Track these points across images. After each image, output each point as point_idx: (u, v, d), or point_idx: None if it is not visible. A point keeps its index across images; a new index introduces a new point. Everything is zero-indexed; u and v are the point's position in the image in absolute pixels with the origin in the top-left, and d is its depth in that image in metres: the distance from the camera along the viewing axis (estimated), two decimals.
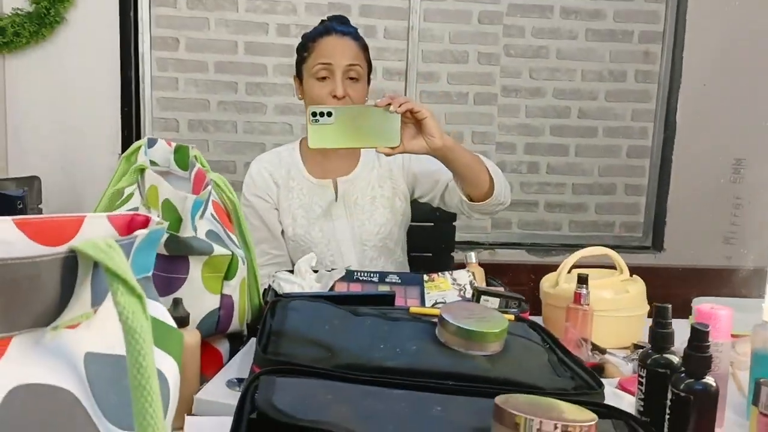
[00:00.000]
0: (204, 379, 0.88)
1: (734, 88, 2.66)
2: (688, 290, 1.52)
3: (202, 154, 0.99)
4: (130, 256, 0.54)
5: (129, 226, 0.62)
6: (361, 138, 1.19)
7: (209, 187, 0.86)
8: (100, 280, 0.49)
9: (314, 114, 1.17)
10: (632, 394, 0.89)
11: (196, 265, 0.84)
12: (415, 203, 1.61)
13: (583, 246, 1.25)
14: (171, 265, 0.82)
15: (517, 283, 1.95)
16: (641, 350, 1.09)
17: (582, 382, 0.81)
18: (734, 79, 2.66)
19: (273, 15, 2.55)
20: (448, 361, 0.81)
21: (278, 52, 2.55)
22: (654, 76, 2.73)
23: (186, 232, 0.80)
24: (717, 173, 2.73)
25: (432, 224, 1.88)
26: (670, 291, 1.20)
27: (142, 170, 0.88)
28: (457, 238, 1.92)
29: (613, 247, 1.27)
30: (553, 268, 1.28)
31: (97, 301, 0.49)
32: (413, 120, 1.21)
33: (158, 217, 0.84)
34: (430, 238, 1.89)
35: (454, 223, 1.89)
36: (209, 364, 0.90)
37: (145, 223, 0.62)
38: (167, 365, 0.51)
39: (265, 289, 1.17)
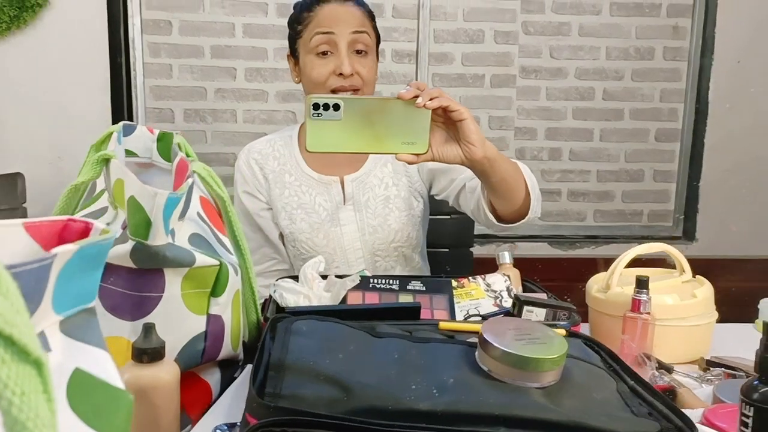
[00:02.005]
0: (188, 421, 0.70)
1: None
2: (725, 285, 1.35)
3: (198, 145, 0.81)
4: (47, 285, 0.37)
5: (60, 236, 0.44)
6: (377, 141, 0.91)
7: (190, 180, 0.68)
8: None
9: (316, 106, 0.89)
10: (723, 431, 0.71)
11: (173, 280, 0.66)
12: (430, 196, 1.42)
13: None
14: (141, 281, 0.65)
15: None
16: (729, 374, 0.91)
17: (669, 424, 0.63)
18: None
19: None
20: (497, 397, 0.64)
21: (279, 34, 2.36)
22: (684, 52, 2.53)
23: (158, 239, 0.62)
24: (752, 157, 2.55)
25: (448, 217, 1.70)
26: None
27: (106, 160, 0.70)
28: (475, 231, 1.74)
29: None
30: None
31: None
32: (443, 119, 0.95)
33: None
34: (447, 233, 1.71)
35: None
36: (195, 401, 0.73)
37: (85, 231, 0.44)
38: None
39: (265, 300, 0.99)
